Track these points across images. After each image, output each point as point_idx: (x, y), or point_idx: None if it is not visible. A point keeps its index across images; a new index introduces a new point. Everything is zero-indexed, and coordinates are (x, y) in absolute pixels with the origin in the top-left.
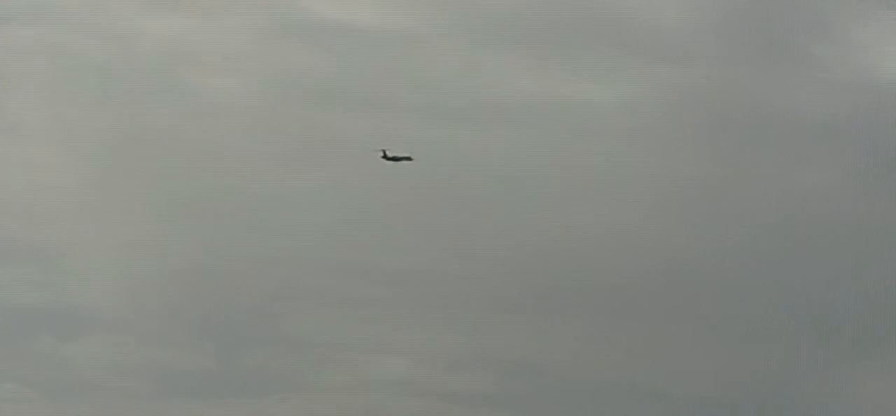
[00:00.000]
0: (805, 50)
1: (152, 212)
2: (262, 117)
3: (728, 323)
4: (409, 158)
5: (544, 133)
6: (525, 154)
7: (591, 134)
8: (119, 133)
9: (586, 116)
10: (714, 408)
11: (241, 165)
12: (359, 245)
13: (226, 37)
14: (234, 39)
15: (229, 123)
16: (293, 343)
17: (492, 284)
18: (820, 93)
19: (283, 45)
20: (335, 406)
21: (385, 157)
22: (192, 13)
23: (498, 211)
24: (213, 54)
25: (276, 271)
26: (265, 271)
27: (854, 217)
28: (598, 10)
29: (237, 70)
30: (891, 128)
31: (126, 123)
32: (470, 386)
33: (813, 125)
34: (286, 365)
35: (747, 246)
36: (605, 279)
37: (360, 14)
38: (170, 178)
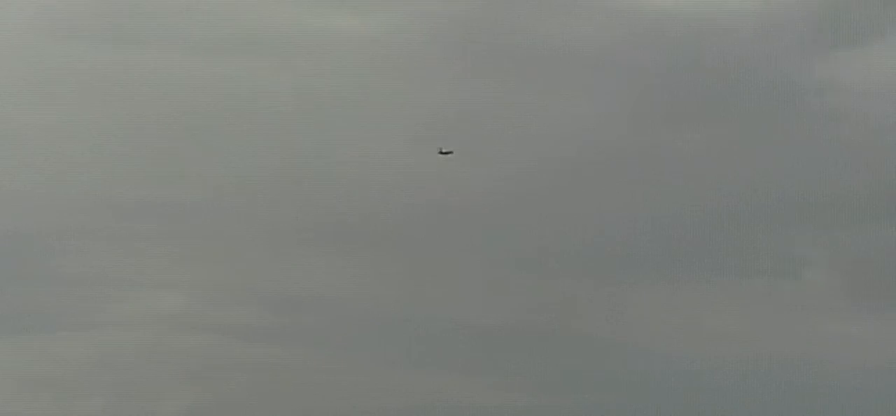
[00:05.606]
0: None
1: None
2: (23, 52)
3: (508, 254)
4: (451, 152)
5: (308, 65)
6: (291, 86)
7: (355, 65)
8: None
9: (350, 47)
10: (496, 337)
11: (3, 100)
12: (131, 180)
13: None
14: None
15: None
16: (69, 281)
17: (266, 217)
18: (587, 21)
19: None
20: (112, 343)
21: (440, 152)
22: None
23: (268, 143)
24: None
25: (49, 207)
26: (37, 208)
27: (628, 146)
28: None
29: None
30: (661, 55)
31: None
32: (247, 320)
33: (582, 54)
34: (62, 303)
35: (522, 177)
36: (382, 211)
37: None
38: None
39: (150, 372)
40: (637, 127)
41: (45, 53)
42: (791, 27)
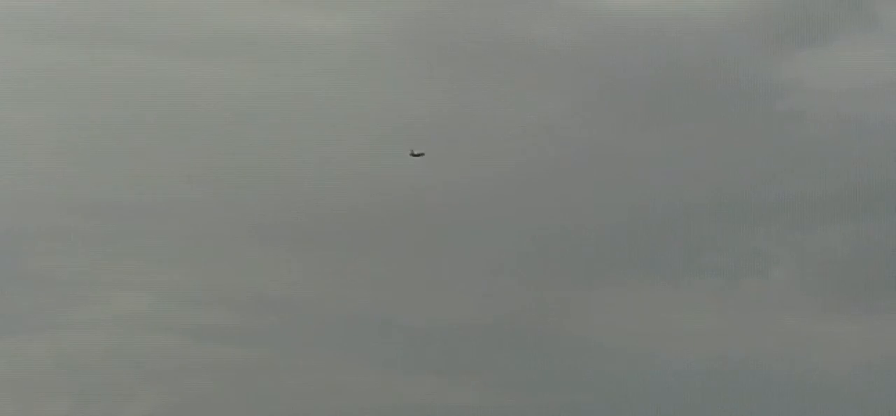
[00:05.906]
0: None
1: None
2: None
3: (471, 255)
4: (422, 154)
5: (279, 65)
6: (262, 87)
7: (323, 64)
8: None
9: (317, 46)
10: (469, 339)
11: None
12: (101, 180)
13: None
14: None
15: None
16: (37, 281)
17: (236, 217)
18: (556, 21)
19: None
20: (81, 344)
21: (412, 154)
22: None
23: (238, 144)
24: None
25: (17, 207)
26: (5, 208)
27: (597, 146)
28: None
29: None
30: (627, 55)
31: None
32: (215, 320)
33: (551, 55)
34: (30, 304)
35: (487, 177)
36: (354, 212)
37: None
38: None
39: (115, 374)
40: (604, 128)
41: (12, 52)
42: (755, 28)
